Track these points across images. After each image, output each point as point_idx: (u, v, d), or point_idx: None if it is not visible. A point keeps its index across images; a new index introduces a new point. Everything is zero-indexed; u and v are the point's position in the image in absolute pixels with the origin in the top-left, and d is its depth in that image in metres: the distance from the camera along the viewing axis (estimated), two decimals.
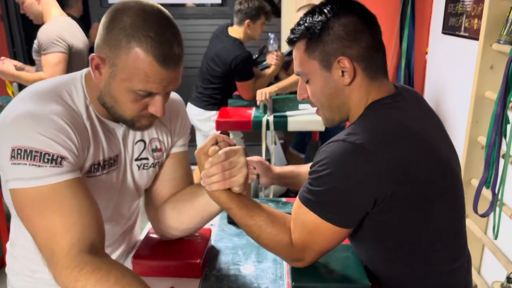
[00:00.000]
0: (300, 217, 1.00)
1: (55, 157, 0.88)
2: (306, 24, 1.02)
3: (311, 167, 1.00)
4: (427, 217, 0.99)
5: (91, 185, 1.00)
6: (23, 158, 0.86)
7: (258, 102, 2.74)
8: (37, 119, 0.89)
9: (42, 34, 2.53)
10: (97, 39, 0.94)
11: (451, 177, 1.03)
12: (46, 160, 0.87)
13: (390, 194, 0.93)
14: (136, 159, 1.12)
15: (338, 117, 1.08)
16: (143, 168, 1.13)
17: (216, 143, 1.02)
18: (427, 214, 0.99)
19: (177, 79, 0.96)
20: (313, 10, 1.03)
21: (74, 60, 2.65)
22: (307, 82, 1.07)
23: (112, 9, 0.93)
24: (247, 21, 2.97)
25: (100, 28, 0.94)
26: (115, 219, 1.15)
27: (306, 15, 1.04)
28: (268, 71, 3.10)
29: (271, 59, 3.08)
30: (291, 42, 1.06)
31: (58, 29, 2.55)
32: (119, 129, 1.06)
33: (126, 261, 1.20)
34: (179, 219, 1.16)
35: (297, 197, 1.02)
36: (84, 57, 2.77)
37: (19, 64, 2.70)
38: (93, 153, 0.99)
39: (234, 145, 1.03)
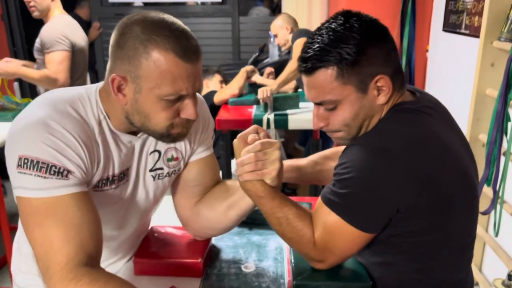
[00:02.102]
0: (322, 217, 0.99)
1: (61, 170, 0.87)
2: (337, 50, 0.93)
3: (335, 168, 0.99)
4: (445, 226, 0.98)
5: (98, 198, 0.99)
6: (29, 168, 0.86)
7: (261, 101, 2.74)
8: (47, 130, 0.87)
9: (45, 33, 2.53)
10: (111, 61, 0.93)
11: (471, 189, 1.01)
12: (52, 172, 0.86)
13: (413, 200, 0.92)
14: (151, 170, 1.10)
15: (360, 133, 1.03)
16: (158, 178, 1.12)
17: (256, 133, 1.03)
18: (445, 224, 0.97)
19: (200, 74, 0.95)
20: (335, 31, 0.95)
21: (77, 58, 2.66)
22: (333, 109, 0.99)
23: (118, 26, 0.93)
24: (205, 81, 3.19)
25: (111, 49, 0.93)
26: (123, 228, 1.13)
27: (322, 35, 0.95)
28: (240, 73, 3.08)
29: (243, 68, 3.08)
30: (313, 69, 0.96)
31: (61, 27, 2.56)
32: (137, 141, 1.05)
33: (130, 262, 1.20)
34: (215, 218, 1.16)
35: (320, 196, 1.02)
36: (85, 55, 2.78)
37: (21, 62, 2.70)
38: (102, 169, 0.98)
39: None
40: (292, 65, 2.78)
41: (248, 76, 3.05)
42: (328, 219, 0.97)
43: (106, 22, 4.21)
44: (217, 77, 3.25)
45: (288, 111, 2.76)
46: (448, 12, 2.70)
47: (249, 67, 3.06)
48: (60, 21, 2.60)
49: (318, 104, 1.02)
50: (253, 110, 2.84)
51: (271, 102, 2.70)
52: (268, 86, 2.75)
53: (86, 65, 2.82)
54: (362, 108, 0.98)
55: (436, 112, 1.03)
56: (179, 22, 0.93)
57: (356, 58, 0.93)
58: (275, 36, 3.14)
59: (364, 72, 0.95)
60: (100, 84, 1.02)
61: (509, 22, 1.83)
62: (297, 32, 2.96)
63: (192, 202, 1.18)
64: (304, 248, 1.01)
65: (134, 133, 1.04)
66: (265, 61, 3.42)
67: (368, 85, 0.96)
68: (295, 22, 3.13)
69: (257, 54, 3.39)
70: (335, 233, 0.97)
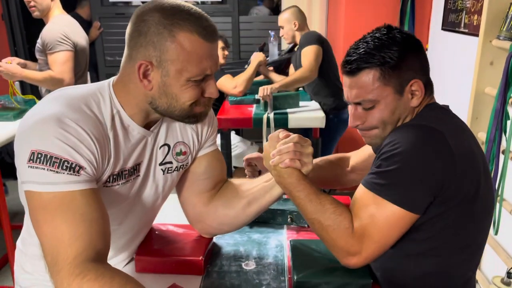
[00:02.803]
0: (363, 203, 1.00)
1: (73, 165, 0.88)
2: (381, 54, 1.03)
3: (380, 151, 1.02)
4: (473, 218, 1.02)
5: (108, 194, 1.00)
6: (42, 163, 0.86)
7: (261, 99, 2.74)
8: (61, 125, 0.88)
9: (47, 34, 2.54)
10: (132, 49, 0.94)
11: (491, 186, 1.07)
12: (64, 167, 0.87)
13: (458, 178, 0.96)
14: (161, 164, 1.11)
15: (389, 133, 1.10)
16: (167, 172, 1.13)
17: None
18: (473, 216, 1.01)
19: (218, 55, 1.00)
20: (380, 39, 1.05)
21: (78, 58, 2.67)
22: (370, 108, 1.07)
23: (135, 15, 0.94)
24: None
25: (130, 38, 0.94)
26: (128, 225, 1.14)
27: (367, 42, 1.05)
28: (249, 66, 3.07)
29: (254, 57, 3.06)
30: (357, 70, 1.05)
31: (62, 27, 2.56)
32: (149, 135, 1.06)
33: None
34: (234, 214, 1.17)
35: (360, 184, 1.03)
36: (87, 54, 2.79)
37: (21, 61, 2.68)
38: (113, 165, 0.99)
39: None
40: (301, 73, 2.77)
41: (260, 64, 3.02)
42: (370, 204, 0.99)
43: (107, 22, 4.22)
44: (219, 43, 3.14)
45: (288, 110, 2.77)
46: (447, 11, 2.71)
47: (262, 56, 3.02)
48: (60, 21, 2.61)
49: (357, 104, 1.09)
50: (253, 109, 2.84)
51: (271, 101, 2.71)
52: (269, 85, 2.75)
53: (87, 65, 2.83)
54: (397, 109, 1.07)
55: (458, 118, 1.11)
56: (193, 6, 0.96)
57: (397, 62, 1.03)
58: (281, 27, 3.06)
59: (402, 75, 1.04)
60: (113, 78, 1.03)
61: (508, 20, 1.84)
62: (308, 36, 2.90)
63: (204, 197, 1.19)
64: (340, 238, 1.00)
65: (147, 126, 1.05)
66: (267, 59, 3.42)
67: (404, 88, 1.05)
68: (304, 19, 3.05)
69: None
70: (378, 216, 0.97)
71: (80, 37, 2.70)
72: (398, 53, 1.03)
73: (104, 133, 0.96)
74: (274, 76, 3.14)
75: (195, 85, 0.96)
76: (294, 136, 1.06)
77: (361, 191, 1.02)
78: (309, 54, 2.79)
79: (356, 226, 0.99)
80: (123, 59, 0.98)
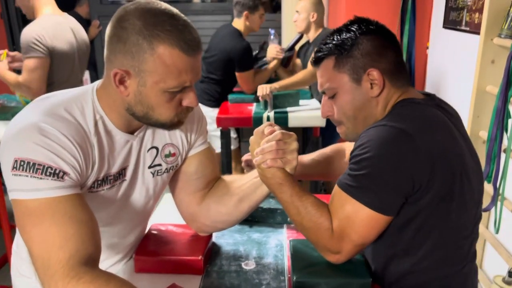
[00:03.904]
0: (339, 204, 1.00)
1: (57, 171, 0.87)
2: (334, 42, 1.08)
3: (351, 153, 1.02)
4: (446, 213, 1.00)
5: (93, 199, 0.99)
6: (25, 170, 0.85)
7: (260, 98, 2.74)
8: (41, 132, 0.87)
9: (23, 36, 2.33)
10: (111, 54, 0.92)
11: (468, 182, 1.04)
12: (48, 174, 0.86)
13: (427, 180, 0.95)
14: (150, 167, 1.10)
15: (362, 130, 1.08)
16: (157, 175, 1.12)
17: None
18: (446, 211, 1.00)
19: (200, 65, 0.98)
20: (340, 30, 1.10)
21: (57, 63, 2.41)
22: (332, 97, 1.11)
23: (117, 18, 0.92)
24: (245, 12, 3.02)
25: (109, 41, 0.92)
26: (121, 225, 1.14)
27: (332, 34, 1.11)
28: (270, 65, 3.11)
29: (272, 53, 3.08)
30: (319, 60, 1.11)
31: (39, 30, 2.31)
32: (134, 140, 1.05)
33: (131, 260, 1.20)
34: (226, 211, 1.17)
35: (336, 184, 1.03)
36: (71, 58, 2.52)
37: (19, 54, 2.48)
38: (97, 170, 0.98)
39: None
40: (304, 76, 2.79)
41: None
42: (345, 204, 0.99)
43: (106, 20, 4.20)
44: (261, 11, 3.06)
45: (288, 109, 2.77)
46: (448, 9, 2.70)
47: (278, 54, 3.03)
48: (41, 22, 2.37)
49: (323, 93, 1.13)
50: (253, 108, 2.84)
51: (271, 100, 2.70)
52: (268, 84, 2.75)
53: (71, 70, 2.54)
54: (356, 99, 1.08)
55: (444, 111, 1.08)
56: (179, 13, 0.94)
57: (351, 50, 1.06)
58: (297, 12, 2.99)
59: (357, 63, 1.06)
60: (98, 82, 1.02)
61: (509, 19, 1.83)
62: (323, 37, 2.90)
63: (197, 196, 1.19)
64: (322, 239, 1.02)
65: (131, 132, 1.04)
66: (265, 59, 3.41)
67: (361, 76, 1.06)
68: (322, 13, 2.99)
69: (257, 51, 3.38)
70: (353, 218, 0.98)
71: (62, 40, 2.42)
72: (351, 40, 1.06)
73: (87, 139, 0.95)
74: (284, 74, 3.15)
75: (172, 96, 0.94)
76: (277, 133, 1.04)
77: (337, 190, 1.02)
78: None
79: (335, 227, 1.00)
80: (105, 59, 0.96)
